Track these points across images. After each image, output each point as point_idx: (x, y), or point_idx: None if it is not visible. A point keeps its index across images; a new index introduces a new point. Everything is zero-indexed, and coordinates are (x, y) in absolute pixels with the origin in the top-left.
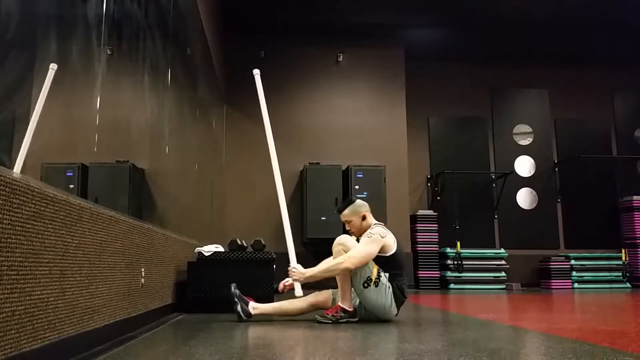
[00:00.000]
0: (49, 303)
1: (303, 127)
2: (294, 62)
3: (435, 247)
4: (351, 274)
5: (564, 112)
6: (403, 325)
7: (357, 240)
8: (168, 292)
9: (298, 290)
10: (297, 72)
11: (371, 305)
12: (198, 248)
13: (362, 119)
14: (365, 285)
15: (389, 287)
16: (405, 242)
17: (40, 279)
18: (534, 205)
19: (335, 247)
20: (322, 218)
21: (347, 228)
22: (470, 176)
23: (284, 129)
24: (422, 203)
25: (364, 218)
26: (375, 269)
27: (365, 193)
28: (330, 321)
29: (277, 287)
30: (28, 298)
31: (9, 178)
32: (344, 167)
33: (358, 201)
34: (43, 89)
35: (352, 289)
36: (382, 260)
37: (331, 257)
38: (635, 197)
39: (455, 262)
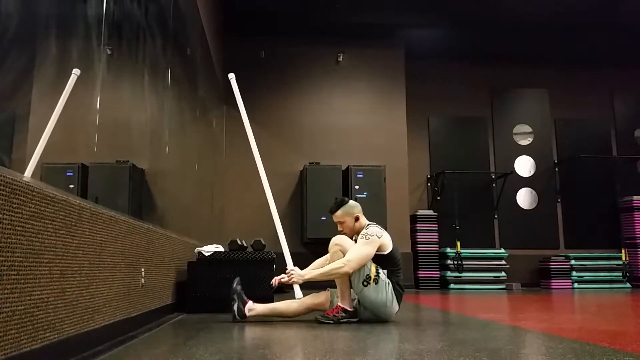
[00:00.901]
0: (49, 303)
1: (303, 127)
2: (294, 62)
3: (435, 247)
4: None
5: (564, 112)
6: (403, 325)
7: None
8: (168, 292)
9: (298, 293)
10: (297, 72)
11: (372, 303)
12: (198, 248)
13: (362, 119)
14: (365, 283)
15: (389, 284)
16: (405, 242)
17: (40, 279)
18: (534, 205)
19: (332, 248)
20: (322, 218)
21: (340, 229)
22: (470, 176)
23: (284, 129)
24: (422, 203)
25: (356, 219)
26: (373, 267)
27: (365, 193)
28: (331, 321)
29: (281, 287)
30: (28, 298)
31: (9, 178)
32: (344, 167)
33: (351, 202)
34: (64, 93)
35: (351, 288)
36: (379, 259)
37: (326, 256)
38: (635, 197)
39: (455, 262)
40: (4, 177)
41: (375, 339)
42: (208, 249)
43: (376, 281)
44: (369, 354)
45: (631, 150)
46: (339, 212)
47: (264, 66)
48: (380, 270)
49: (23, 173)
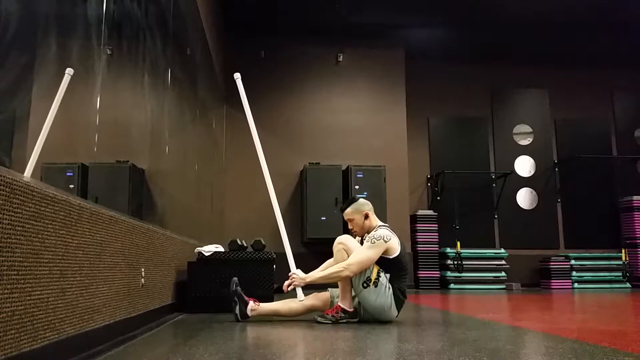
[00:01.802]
0: (49, 303)
1: (303, 127)
2: (294, 62)
3: (435, 247)
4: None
5: (564, 112)
6: (403, 325)
7: (360, 240)
8: (168, 292)
9: (300, 295)
10: (297, 72)
11: (370, 306)
12: (198, 248)
13: (362, 119)
14: (365, 285)
15: (389, 288)
16: (406, 242)
17: (40, 279)
18: (534, 205)
19: (336, 247)
20: (322, 218)
21: (350, 227)
22: (470, 176)
23: (284, 129)
24: (422, 203)
25: (366, 217)
26: (375, 269)
27: (365, 193)
28: (331, 321)
29: (281, 287)
30: (28, 298)
31: (9, 178)
32: (344, 167)
33: (361, 200)
34: (58, 93)
35: (352, 289)
36: (385, 262)
37: (332, 259)
38: (635, 197)
39: (455, 262)
40: (4, 177)
41: (375, 339)
42: (208, 249)
43: (376, 284)
44: (369, 354)
45: (631, 150)
46: (348, 210)
47: (264, 66)
48: (382, 274)
49: (22, 173)
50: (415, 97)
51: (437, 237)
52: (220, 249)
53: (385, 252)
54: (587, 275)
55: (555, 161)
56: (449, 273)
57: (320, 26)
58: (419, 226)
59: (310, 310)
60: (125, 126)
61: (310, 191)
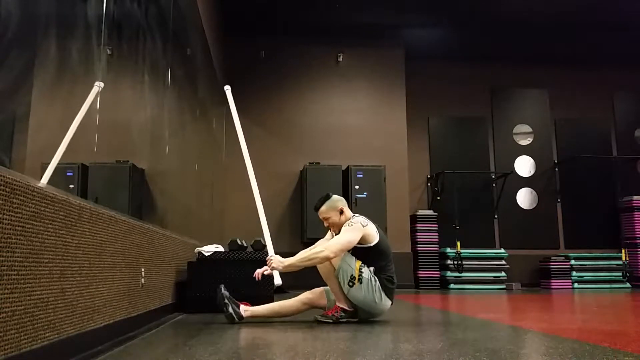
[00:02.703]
0: (49, 303)
1: (303, 127)
2: (294, 62)
3: (435, 247)
4: (336, 275)
5: (564, 112)
6: (403, 325)
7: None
8: (168, 292)
9: (277, 279)
10: (297, 72)
11: (361, 302)
12: (198, 248)
13: (362, 119)
14: (350, 284)
15: (376, 280)
16: (405, 242)
17: (40, 279)
18: (534, 205)
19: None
20: None
21: (326, 225)
22: (470, 176)
23: (284, 129)
24: (422, 203)
25: (341, 212)
26: (357, 265)
27: (365, 193)
28: (331, 321)
29: (281, 287)
30: (28, 298)
31: (9, 178)
32: (344, 167)
33: (334, 196)
34: (85, 104)
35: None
36: (365, 252)
37: (308, 249)
38: (635, 197)
39: (455, 262)
40: (4, 177)
41: (375, 339)
42: (208, 249)
43: (360, 280)
44: (369, 354)
45: (631, 150)
46: (323, 208)
47: (264, 66)
48: (364, 269)
49: (23, 173)
50: (415, 97)
51: (437, 237)
52: (220, 249)
53: (365, 239)
54: (587, 275)
55: (555, 161)
56: (449, 273)
57: (320, 26)
58: (419, 226)
59: (306, 306)
60: (125, 126)
61: (310, 191)
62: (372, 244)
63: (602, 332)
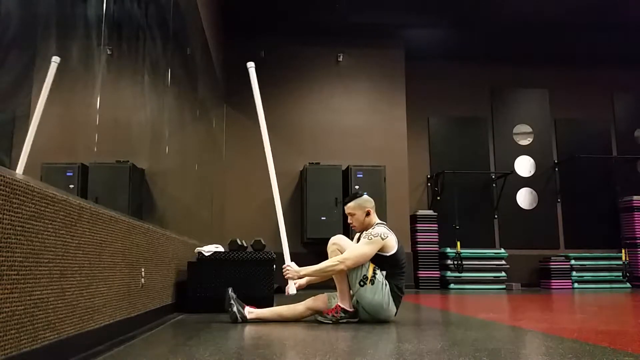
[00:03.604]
0: (49, 303)
1: (303, 127)
2: (294, 62)
3: (435, 247)
4: (347, 272)
5: (564, 112)
6: (403, 325)
7: (358, 237)
8: (168, 292)
9: (292, 289)
10: (297, 72)
11: (368, 304)
12: (198, 248)
13: (362, 119)
14: (362, 283)
15: (386, 285)
16: (406, 242)
17: (40, 279)
18: (534, 205)
19: (330, 247)
20: (322, 218)
21: (349, 221)
22: (470, 176)
23: (284, 129)
24: (422, 203)
25: (367, 214)
26: (371, 267)
27: (365, 193)
28: (331, 321)
29: (281, 287)
30: (28, 298)
31: (9, 178)
32: (344, 167)
33: (365, 196)
34: (45, 83)
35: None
36: (381, 259)
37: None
38: (635, 197)
39: (455, 262)
40: (4, 177)
41: (375, 339)
42: (208, 249)
43: (372, 282)
44: (369, 354)
45: (631, 150)
46: (351, 204)
47: (264, 66)
48: (378, 271)
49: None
50: (415, 97)
51: (437, 237)
52: (220, 249)
53: (382, 249)
54: (587, 275)
55: (555, 161)
56: (449, 273)
57: (320, 26)
58: (419, 226)
59: (311, 311)
60: (125, 126)
61: (310, 191)
62: (388, 254)
63: (602, 332)
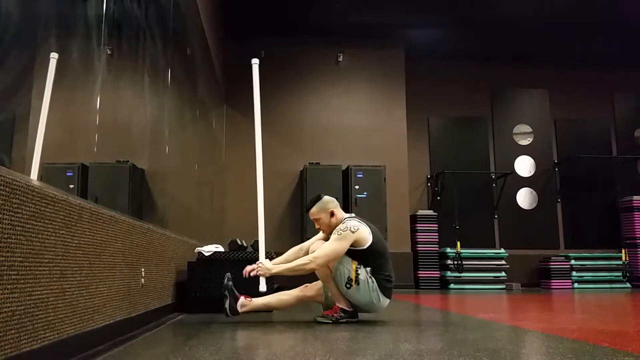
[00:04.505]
0: (49, 303)
1: (303, 127)
2: (294, 62)
3: (435, 247)
4: (333, 277)
5: (564, 112)
6: (403, 325)
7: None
8: (168, 292)
9: (262, 286)
10: (297, 72)
11: (359, 303)
12: (198, 248)
13: (362, 119)
14: (348, 286)
15: (373, 281)
16: (405, 242)
17: (40, 279)
18: (534, 205)
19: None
20: None
21: (317, 227)
22: (470, 176)
23: (284, 128)
24: (422, 203)
25: (332, 214)
26: (353, 266)
27: (365, 193)
28: (330, 321)
29: (281, 287)
30: (28, 298)
31: (9, 178)
32: (344, 167)
33: (325, 197)
34: (47, 81)
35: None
36: (360, 254)
37: (301, 244)
38: (635, 197)
39: (455, 262)
40: (4, 177)
41: (375, 339)
42: (208, 249)
43: (357, 282)
44: (369, 354)
45: (631, 150)
46: (313, 209)
47: (263, 66)
48: (361, 270)
49: (23, 173)
50: (415, 97)
51: (437, 237)
52: (220, 249)
53: (356, 243)
54: (587, 275)
55: (555, 161)
56: (449, 273)
57: (320, 26)
58: (419, 226)
59: (301, 301)
60: (125, 126)
61: (310, 191)
62: (365, 247)
63: (602, 332)
